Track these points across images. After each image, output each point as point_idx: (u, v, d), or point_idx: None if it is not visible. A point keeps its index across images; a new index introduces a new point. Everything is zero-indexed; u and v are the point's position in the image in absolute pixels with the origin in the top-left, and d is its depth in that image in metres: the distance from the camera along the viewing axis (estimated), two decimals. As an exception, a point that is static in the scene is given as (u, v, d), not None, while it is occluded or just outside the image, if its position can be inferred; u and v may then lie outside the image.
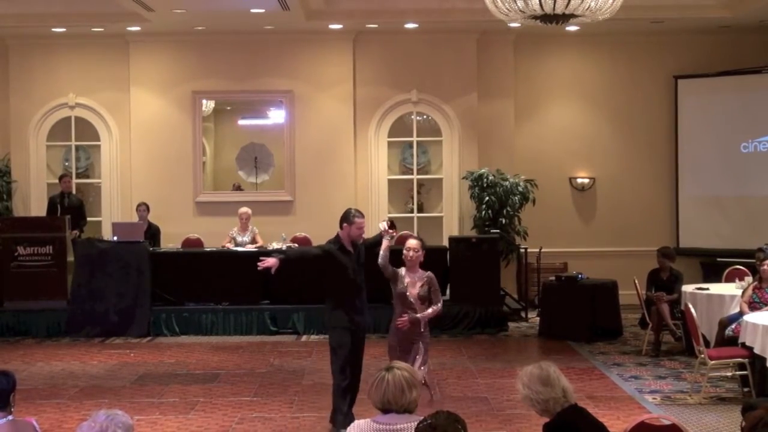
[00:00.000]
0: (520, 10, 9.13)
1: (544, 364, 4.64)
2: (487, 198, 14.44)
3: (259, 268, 8.04)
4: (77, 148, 15.50)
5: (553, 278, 13.15)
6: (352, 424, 4.55)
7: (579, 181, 15.75)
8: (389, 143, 15.29)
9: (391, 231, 8.04)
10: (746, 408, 6.47)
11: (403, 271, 7.99)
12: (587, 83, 15.74)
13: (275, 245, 13.40)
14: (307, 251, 8.97)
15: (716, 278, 12.54)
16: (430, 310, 7.94)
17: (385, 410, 4.44)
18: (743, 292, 10.08)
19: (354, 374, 8.22)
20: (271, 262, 7.98)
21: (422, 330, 7.96)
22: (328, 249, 8.14)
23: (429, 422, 3.96)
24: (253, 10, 13.40)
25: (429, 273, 8.05)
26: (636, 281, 11.79)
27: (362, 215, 8.21)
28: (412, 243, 8.04)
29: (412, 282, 7.96)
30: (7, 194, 15.04)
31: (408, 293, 7.92)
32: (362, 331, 8.24)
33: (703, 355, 9.08)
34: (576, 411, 4.58)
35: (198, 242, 14.32)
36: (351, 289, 8.14)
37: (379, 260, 7.88)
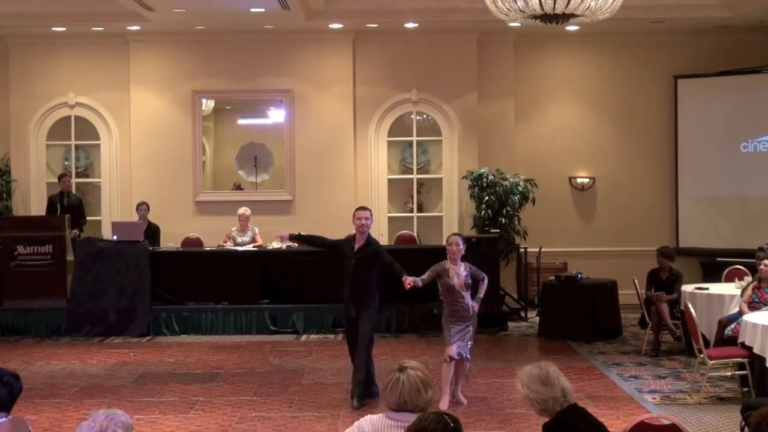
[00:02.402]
0: (520, 10, 9.14)
1: (544, 364, 4.63)
2: (486, 198, 14.45)
3: (277, 239, 9.73)
4: (77, 147, 15.50)
5: (552, 278, 13.14)
6: (363, 418, 4.50)
7: (579, 180, 15.75)
8: (389, 143, 15.30)
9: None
10: (746, 408, 6.48)
11: (447, 264, 8.88)
12: (587, 83, 15.75)
13: (275, 245, 13.42)
14: (324, 238, 9.65)
15: (716, 278, 12.55)
16: (483, 290, 8.94)
17: (400, 410, 4.41)
18: (743, 292, 10.08)
19: (354, 354, 9.08)
20: (283, 234, 9.51)
21: (471, 313, 8.89)
22: (339, 241, 9.28)
23: (417, 424, 3.94)
24: (253, 10, 13.40)
25: (466, 263, 8.96)
26: (636, 281, 11.79)
27: (364, 209, 9.20)
28: (453, 238, 8.99)
29: (456, 273, 8.83)
30: (7, 193, 15.05)
31: (455, 284, 8.79)
32: (354, 320, 9.01)
33: (702, 355, 9.08)
34: (575, 411, 4.57)
35: (198, 242, 14.33)
36: (348, 280, 8.98)
37: (421, 284, 8.83)
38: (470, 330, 8.94)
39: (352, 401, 8.83)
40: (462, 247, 8.90)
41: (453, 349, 8.80)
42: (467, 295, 8.87)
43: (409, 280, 8.69)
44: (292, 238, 9.47)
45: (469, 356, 9.00)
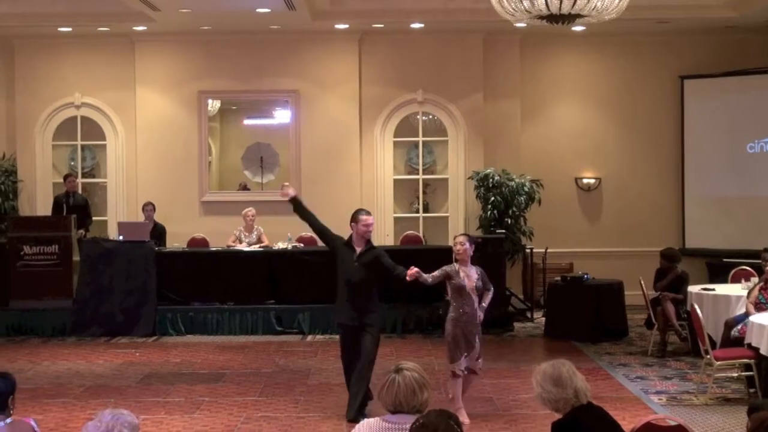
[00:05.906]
0: (526, 10, 9.11)
1: (558, 363, 4.60)
2: (492, 198, 14.43)
3: (281, 193, 9.08)
4: (83, 147, 15.52)
5: (558, 278, 13.13)
6: (361, 422, 4.51)
7: (585, 181, 15.73)
8: (395, 143, 15.29)
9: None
10: (752, 409, 6.45)
11: (456, 266, 8.48)
12: (593, 83, 15.73)
13: (281, 245, 13.42)
14: (326, 229, 8.95)
15: (722, 279, 12.51)
16: (487, 300, 8.62)
17: (396, 412, 4.41)
18: (749, 293, 10.06)
19: (351, 366, 8.52)
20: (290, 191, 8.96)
21: (477, 321, 8.52)
22: (336, 238, 8.75)
23: (421, 422, 3.94)
24: (258, 10, 13.41)
25: (479, 267, 8.60)
26: (642, 281, 11.77)
27: (369, 213, 8.69)
28: (459, 238, 8.64)
29: (467, 275, 8.45)
30: (13, 194, 15.08)
31: (465, 285, 8.40)
32: (357, 329, 8.50)
33: (709, 356, 9.06)
34: (588, 410, 4.54)
35: (204, 242, 14.33)
36: (346, 286, 8.55)
37: (430, 281, 8.44)
38: (478, 342, 8.56)
39: (349, 413, 8.39)
40: (468, 246, 8.51)
41: (462, 365, 8.48)
42: (476, 300, 8.50)
43: (413, 271, 8.21)
44: (295, 200, 8.89)
45: (480, 368, 8.72)
